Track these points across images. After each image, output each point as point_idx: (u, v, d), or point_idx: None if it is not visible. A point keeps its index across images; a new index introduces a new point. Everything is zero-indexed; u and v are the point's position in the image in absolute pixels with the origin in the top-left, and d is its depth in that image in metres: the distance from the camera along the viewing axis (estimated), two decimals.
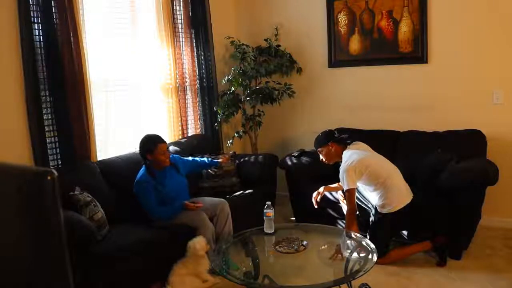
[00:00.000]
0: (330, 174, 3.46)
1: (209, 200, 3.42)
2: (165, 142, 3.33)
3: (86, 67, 3.34)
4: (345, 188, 3.18)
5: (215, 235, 3.23)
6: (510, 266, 3.17)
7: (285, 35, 4.64)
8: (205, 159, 3.75)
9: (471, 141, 3.64)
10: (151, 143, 3.25)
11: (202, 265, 2.88)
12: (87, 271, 2.54)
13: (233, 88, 4.38)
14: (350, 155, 3.21)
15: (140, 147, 3.30)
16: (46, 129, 3.17)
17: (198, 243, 2.87)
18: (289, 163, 4.05)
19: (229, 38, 4.57)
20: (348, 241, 2.97)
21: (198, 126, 4.45)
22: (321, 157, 3.41)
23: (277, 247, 2.78)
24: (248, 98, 4.44)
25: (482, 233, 3.62)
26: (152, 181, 3.22)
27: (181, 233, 3.04)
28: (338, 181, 3.26)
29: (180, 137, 4.24)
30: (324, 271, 2.70)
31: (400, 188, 3.19)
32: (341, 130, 4.18)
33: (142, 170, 3.28)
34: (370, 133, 4.05)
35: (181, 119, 4.26)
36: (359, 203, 3.31)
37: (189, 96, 4.34)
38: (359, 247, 2.82)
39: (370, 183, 3.17)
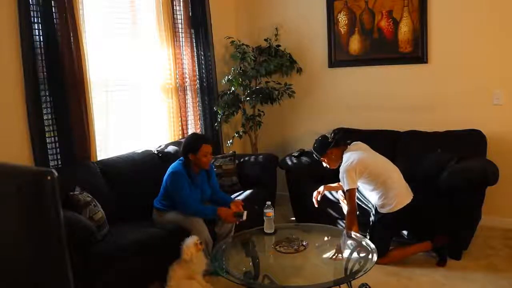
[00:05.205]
0: (330, 174, 3.46)
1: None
2: (210, 143, 3.23)
3: (86, 67, 3.33)
4: (345, 188, 3.18)
5: (218, 237, 3.23)
6: (510, 266, 3.17)
7: (285, 35, 4.64)
8: (223, 194, 3.47)
9: (471, 141, 3.64)
10: (196, 143, 3.16)
11: (197, 266, 2.86)
12: (87, 271, 2.54)
13: (233, 88, 4.38)
14: (350, 156, 3.21)
15: (184, 146, 3.21)
16: (46, 129, 3.16)
17: (186, 245, 2.81)
18: (289, 163, 4.05)
19: (229, 38, 4.56)
20: (348, 241, 2.97)
21: (198, 126, 4.44)
22: (324, 164, 3.42)
23: (277, 247, 2.78)
24: (248, 98, 4.44)
25: (482, 233, 3.62)
26: (187, 178, 3.15)
27: (180, 233, 3.03)
28: (338, 181, 3.26)
29: (180, 137, 4.24)
30: (324, 271, 2.70)
31: (400, 188, 3.19)
32: (341, 130, 4.19)
33: (178, 163, 3.20)
34: (370, 133, 4.05)
35: (181, 119, 4.26)
36: (359, 203, 3.31)
37: (189, 96, 4.34)
38: (359, 247, 2.82)
39: (370, 183, 3.17)
